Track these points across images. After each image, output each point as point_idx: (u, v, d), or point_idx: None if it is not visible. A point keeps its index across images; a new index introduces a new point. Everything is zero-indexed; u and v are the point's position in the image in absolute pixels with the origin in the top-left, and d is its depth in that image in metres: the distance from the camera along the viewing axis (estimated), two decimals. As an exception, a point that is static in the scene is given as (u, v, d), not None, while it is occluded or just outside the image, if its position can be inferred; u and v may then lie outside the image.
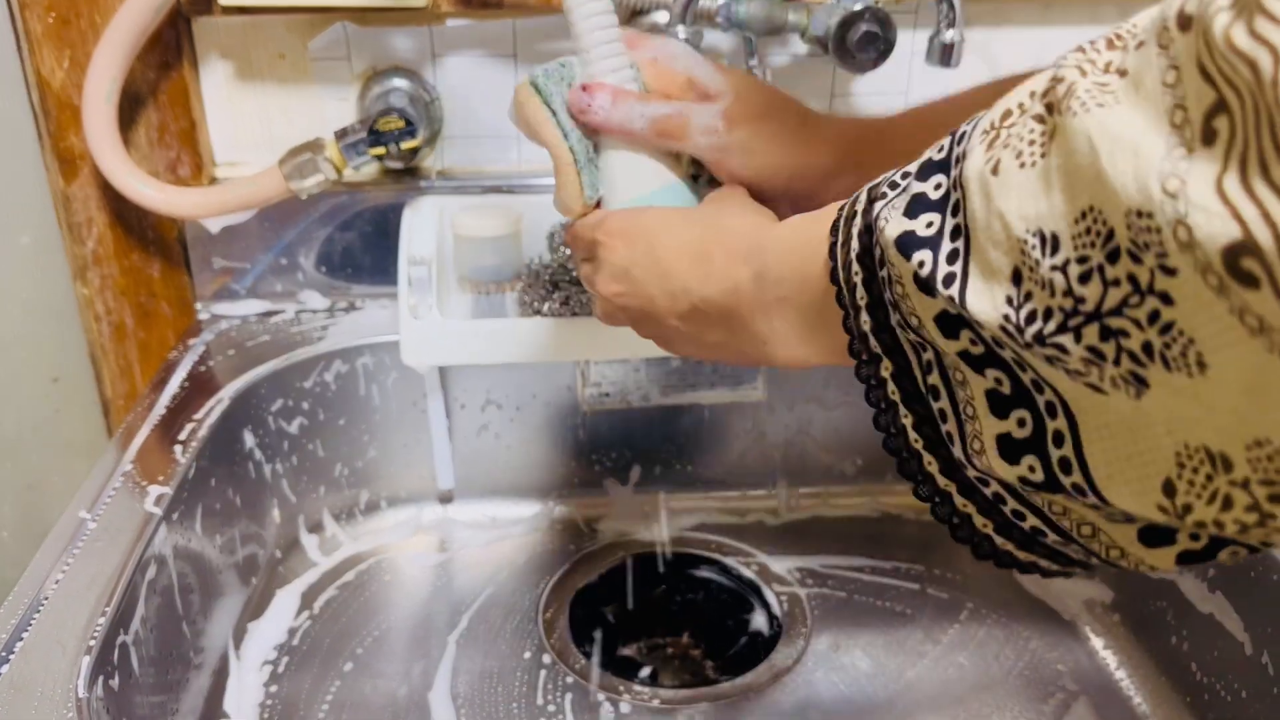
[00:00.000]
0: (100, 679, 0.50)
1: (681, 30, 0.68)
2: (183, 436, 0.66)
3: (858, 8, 0.66)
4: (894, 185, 0.36)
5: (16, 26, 0.71)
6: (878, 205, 0.35)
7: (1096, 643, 0.70)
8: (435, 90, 0.77)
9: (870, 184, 0.37)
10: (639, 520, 0.82)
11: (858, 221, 0.36)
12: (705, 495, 0.84)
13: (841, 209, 0.38)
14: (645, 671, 0.69)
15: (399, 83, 0.75)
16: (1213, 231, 0.23)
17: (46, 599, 0.52)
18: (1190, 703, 0.64)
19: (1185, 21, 0.25)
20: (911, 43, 0.78)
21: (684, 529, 0.81)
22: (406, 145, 0.71)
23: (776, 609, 0.73)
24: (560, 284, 0.75)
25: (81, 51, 0.71)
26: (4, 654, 0.49)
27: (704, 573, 0.78)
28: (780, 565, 0.77)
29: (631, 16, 0.71)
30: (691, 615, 0.75)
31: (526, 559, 0.78)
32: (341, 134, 0.71)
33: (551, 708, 0.65)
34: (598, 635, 0.72)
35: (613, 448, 0.83)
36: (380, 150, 0.71)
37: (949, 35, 0.66)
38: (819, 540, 0.80)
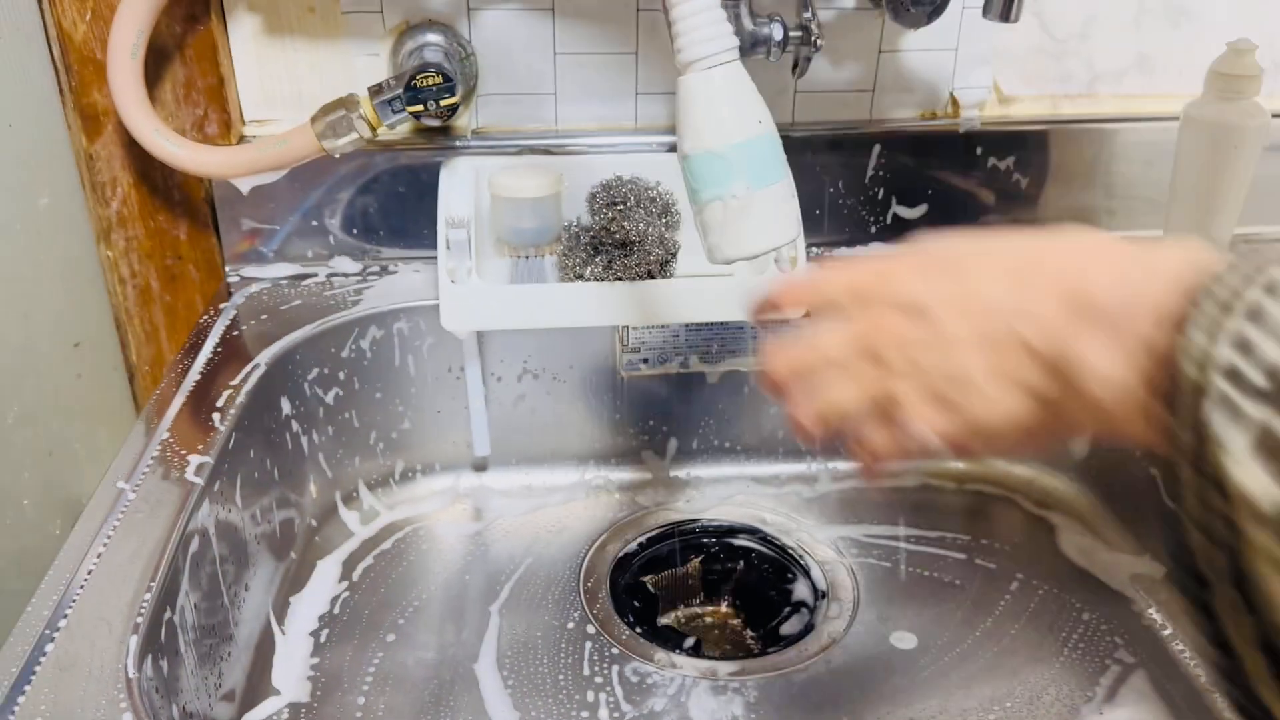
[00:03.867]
0: (149, 658, 0.49)
1: (732, -17, 0.65)
2: (220, 404, 0.64)
3: (916, -40, 0.63)
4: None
5: (36, -23, 0.68)
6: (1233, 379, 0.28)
7: (1152, 615, 0.69)
8: (471, 45, 0.74)
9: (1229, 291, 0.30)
10: (677, 488, 0.81)
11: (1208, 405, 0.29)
12: (745, 463, 0.82)
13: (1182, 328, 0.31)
14: (689, 642, 0.68)
15: (433, 37, 0.73)
16: None
17: (89, 574, 0.51)
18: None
19: None
20: (963, -3, 0.75)
21: (723, 497, 0.80)
22: (445, 102, 0.68)
23: (820, 579, 0.72)
24: (602, 247, 0.73)
25: (105, 4, 0.69)
26: (49, 632, 0.48)
27: (743, 542, 0.77)
28: (822, 535, 0.76)
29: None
30: (731, 585, 0.74)
31: (564, 528, 0.76)
32: (376, 90, 0.69)
33: (599, 679, 0.64)
34: (639, 605, 0.71)
35: (650, 415, 0.81)
36: (418, 107, 0.68)
37: (1012, -12, 0.64)
38: (861, 510, 0.79)
